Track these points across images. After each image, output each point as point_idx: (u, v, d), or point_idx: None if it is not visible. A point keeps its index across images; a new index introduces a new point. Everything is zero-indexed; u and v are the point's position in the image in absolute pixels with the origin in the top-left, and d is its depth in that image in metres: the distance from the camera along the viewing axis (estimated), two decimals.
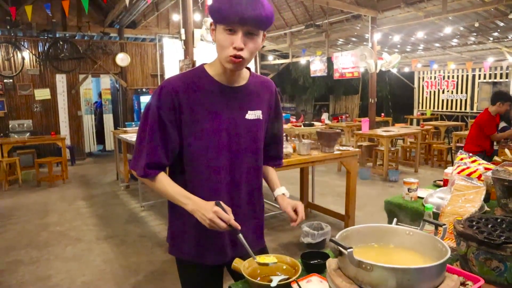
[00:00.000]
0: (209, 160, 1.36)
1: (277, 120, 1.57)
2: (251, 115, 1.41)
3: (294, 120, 9.25)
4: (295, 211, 1.48)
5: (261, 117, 1.44)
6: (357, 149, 4.39)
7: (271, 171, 1.64)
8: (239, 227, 1.28)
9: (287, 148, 3.75)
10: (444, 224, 1.08)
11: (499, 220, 1.31)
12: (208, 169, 1.37)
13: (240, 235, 1.28)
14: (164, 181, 1.36)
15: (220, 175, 1.39)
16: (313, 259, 1.40)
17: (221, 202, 1.27)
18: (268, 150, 1.58)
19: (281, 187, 1.59)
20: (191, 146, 1.36)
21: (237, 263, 1.34)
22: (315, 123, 4.97)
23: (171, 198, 1.35)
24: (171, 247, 1.51)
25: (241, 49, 1.23)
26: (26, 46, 8.58)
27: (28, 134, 8.26)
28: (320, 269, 1.31)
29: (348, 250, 0.90)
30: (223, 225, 1.24)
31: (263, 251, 1.58)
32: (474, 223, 1.29)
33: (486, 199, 1.97)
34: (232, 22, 1.20)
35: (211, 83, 1.36)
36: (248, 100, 1.42)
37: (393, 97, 15.61)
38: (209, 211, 1.24)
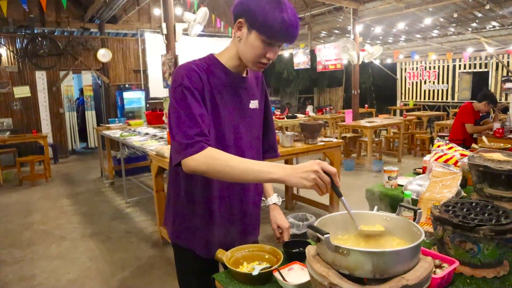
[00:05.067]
0: (222, 146, 1.35)
1: (268, 110, 1.58)
2: (253, 104, 1.45)
3: (279, 113, 9.28)
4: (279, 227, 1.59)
5: (258, 107, 1.48)
6: (340, 140, 4.44)
7: None
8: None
9: None
10: (419, 209, 1.12)
11: (473, 204, 1.36)
12: None
13: (343, 198, 1.08)
14: (227, 155, 1.21)
15: None
16: (296, 248, 1.42)
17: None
18: (263, 143, 1.58)
19: (273, 196, 1.64)
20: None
21: (220, 254, 1.35)
22: (298, 115, 5.00)
23: (247, 172, 1.16)
24: (170, 233, 1.52)
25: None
26: (3, 43, 8.36)
27: (8, 132, 8.07)
28: (301, 257, 1.33)
29: (325, 235, 0.92)
30: (327, 179, 1.08)
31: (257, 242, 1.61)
32: (450, 207, 1.33)
33: (464, 185, 2.03)
34: (277, 40, 1.23)
35: (225, 72, 1.36)
36: (251, 90, 1.45)
37: (376, 89, 15.78)
38: (313, 166, 1.09)
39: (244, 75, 1.42)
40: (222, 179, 1.23)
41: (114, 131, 5.84)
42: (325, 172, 1.08)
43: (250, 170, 1.16)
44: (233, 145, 1.38)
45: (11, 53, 8.49)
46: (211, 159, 1.19)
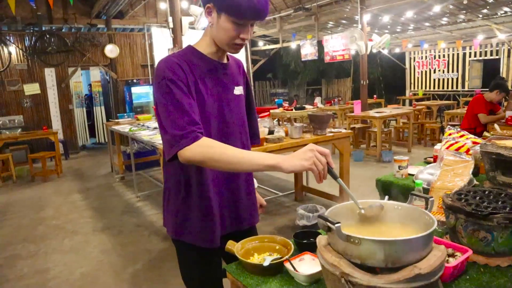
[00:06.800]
0: (210, 134, 1.36)
1: (249, 96, 1.59)
2: (237, 90, 1.45)
3: (287, 105, 9.24)
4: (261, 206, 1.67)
5: (242, 93, 1.49)
6: (349, 131, 4.40)
7: None
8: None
9: (279, 132, 3.75)
10: (431, 197, 1.10)
11: (486, 192, 1.33)
12: None
13: (340, 180, 1.15)
14: (222, 144, 1.23)
15: None
16: (306, 239, 1.42)
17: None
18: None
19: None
20: None
21: (230, 245, 1.35)
22: (307, 106, 4.97)
23: (243, 159, 1.17)
24: (172, 230, 1.51)
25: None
26: (12, 41, 8.44)
27: (19, 129, 8.18)
28: (312, 248, 1.33)
29: (336, 225, 0.91)
30: (324, 160, 1.10)
31: (254, 229, 1.61)
32: (462, 196, 1.31)
33: (476, 173, 2.00)
34: (247, 19, 1.24)
35: (206, 61, 1.37)
36: (233, 76, 1.46)
37: (385, 79, 15.62)
38: (308, 147, 1.12)
39: (225, 61, 1.43)
40: (218, 168, 1.23)
41: (123, 126, 5.88)
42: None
43: (245, 158, 1.17)
44: (220, 133, 1.38)
45: (20, 51, 8.56)
46: (207, 148, 1.19)
